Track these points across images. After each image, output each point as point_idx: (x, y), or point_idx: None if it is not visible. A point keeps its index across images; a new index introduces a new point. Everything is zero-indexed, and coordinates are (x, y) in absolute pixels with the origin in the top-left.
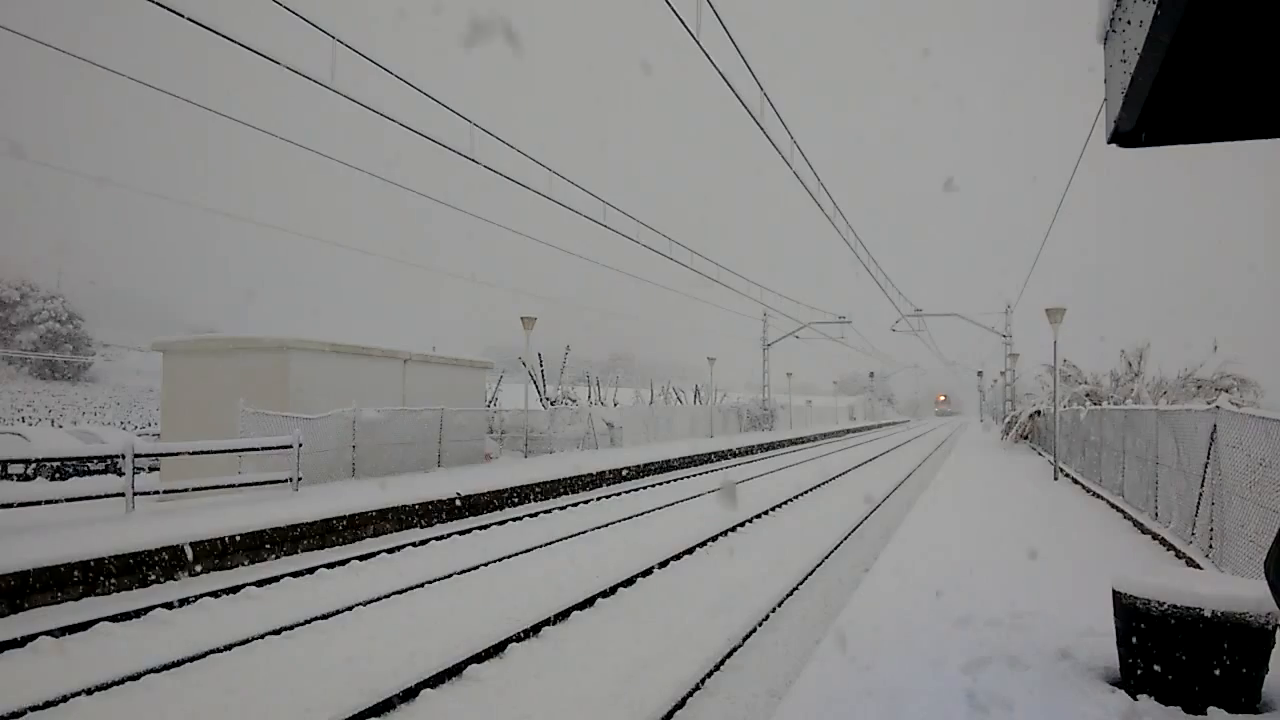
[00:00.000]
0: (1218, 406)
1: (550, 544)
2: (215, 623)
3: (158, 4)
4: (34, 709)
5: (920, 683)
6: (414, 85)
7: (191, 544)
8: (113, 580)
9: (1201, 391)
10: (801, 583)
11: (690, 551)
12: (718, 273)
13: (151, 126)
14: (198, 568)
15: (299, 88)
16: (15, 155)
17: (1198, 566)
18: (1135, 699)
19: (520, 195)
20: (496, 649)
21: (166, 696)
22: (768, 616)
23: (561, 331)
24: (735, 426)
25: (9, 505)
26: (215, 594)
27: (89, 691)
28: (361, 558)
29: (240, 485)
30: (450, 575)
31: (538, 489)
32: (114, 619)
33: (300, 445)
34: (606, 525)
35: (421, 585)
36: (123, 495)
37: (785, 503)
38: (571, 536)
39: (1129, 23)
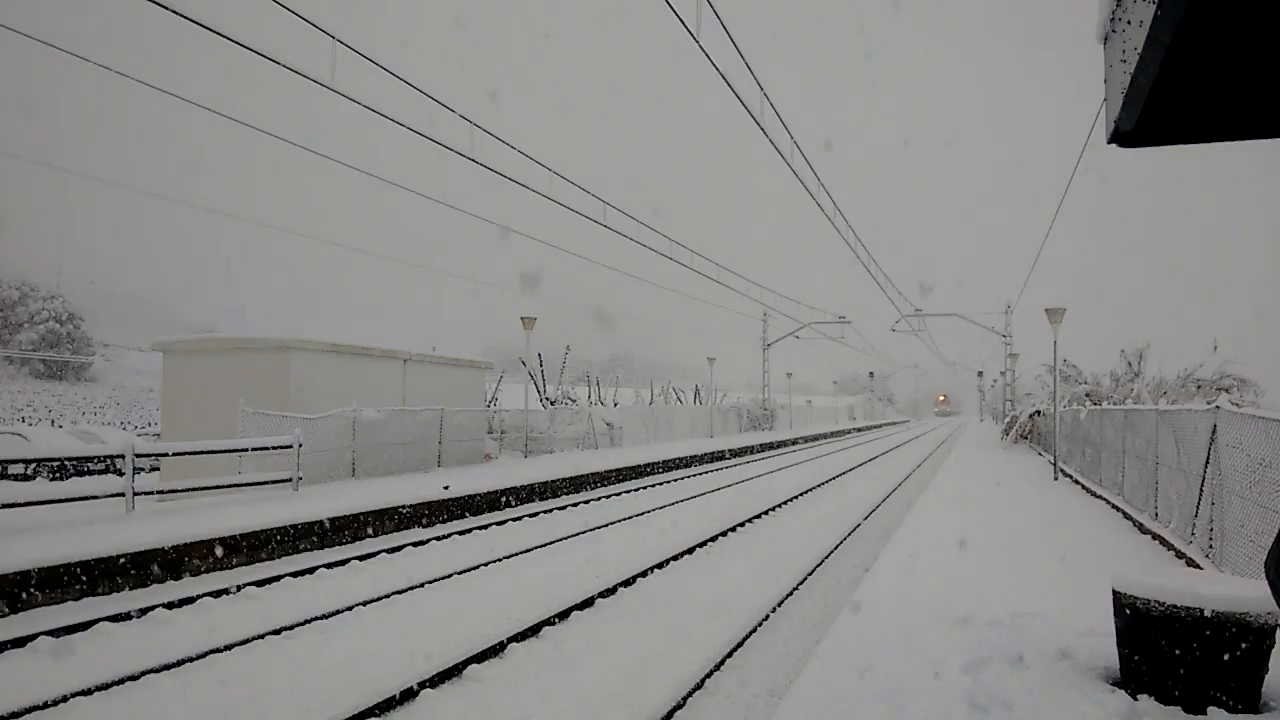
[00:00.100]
0: (1218, 406)
1: (550, 544)
2: (215, 623)
3: (157, 4)
4: (34, 709)
5: (920, 683)
6: (414, 85)
7: (191, 544)
8: (113, 580)
9: (1201, 391)
10: (801, 583)
11: (690, 551)
12: (718, 273)
13: (151, 126)
14: (198, 568)
15: (299, 88)
16: (15, 155)
17: (1198, 566)
18: (1135, 699)
19: (521, 195)
20: (496, 649)
21: (166, 696)
22: (768, 616)
23: (562, 332)
24: (735, 426)
25: (9, 505)
26: (215, 594)
27: (89, 691)
28: (361, 558)
29: (240, 485)
30: (450, 575)
31: (538, 489)
32: (114, 619)
33: (300, 445)
34: (606, 525)
35: (421, 585)
36: (123, 495)
37: (785, 503)
38: (571, 536)
39: (1129, 23)
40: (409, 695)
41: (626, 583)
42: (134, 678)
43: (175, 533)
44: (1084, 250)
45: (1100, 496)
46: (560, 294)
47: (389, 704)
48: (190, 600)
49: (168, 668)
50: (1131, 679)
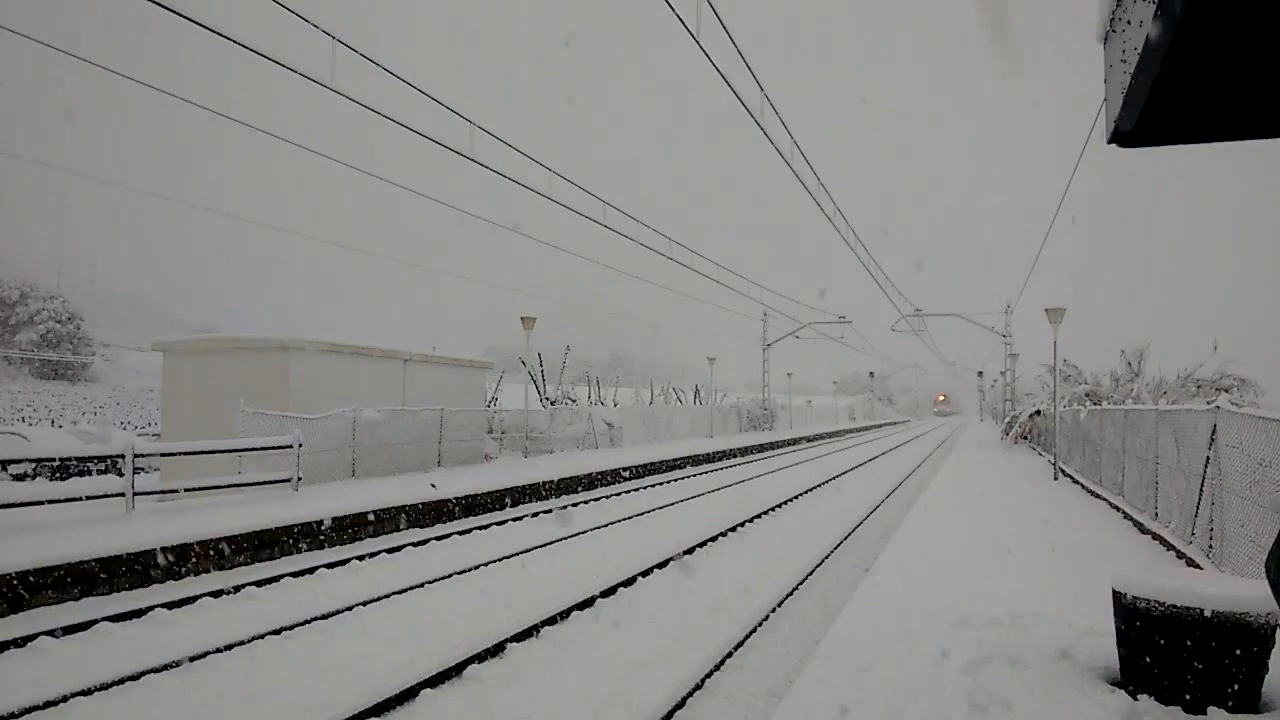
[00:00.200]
0: (1218, 406)
1: (550, 544)
2: (215, 623)
3: (157, 3)
4: (34, 709)
5: (920, 683)
6: (414, 85)
7: (191, 544)
8: (113, 580)
9: (1201, 391)
10: (801, 583)
11: (690, 551)
12: (718, 272)
13: (151, 126)
14: (197, 568)
15: (299, 88)
16: (15, 155)
17: (1198, 566)
18: (1135, 699)
19: (521, 195)
20: (496, 649)
21: (166, 696)
22: (768, 616)
23: (562, 332)
24: (735, 426)
25: (9, 505)
26: (215, 594)
27: (89, 691)
28: (361, 558)
29: (240, 485)
30: (450, 575)
31: (538, 489)
32: (114, 619)
33: (300, 445)
34: (606, 525)
35: (421, 585)
36: (123, 495)
37: (785, 503)
38: (571, 536)
39: (1129, 23)
40: (409, 695)
41: (626, 583)
42: (134, 678)
43: (175, 533)
44: (1084, 250)
45: (1100, 496)
46: (560, 294)
47: (389, 704)
48: (190, 600)
49: (168, 668)
50: (1131, 679)
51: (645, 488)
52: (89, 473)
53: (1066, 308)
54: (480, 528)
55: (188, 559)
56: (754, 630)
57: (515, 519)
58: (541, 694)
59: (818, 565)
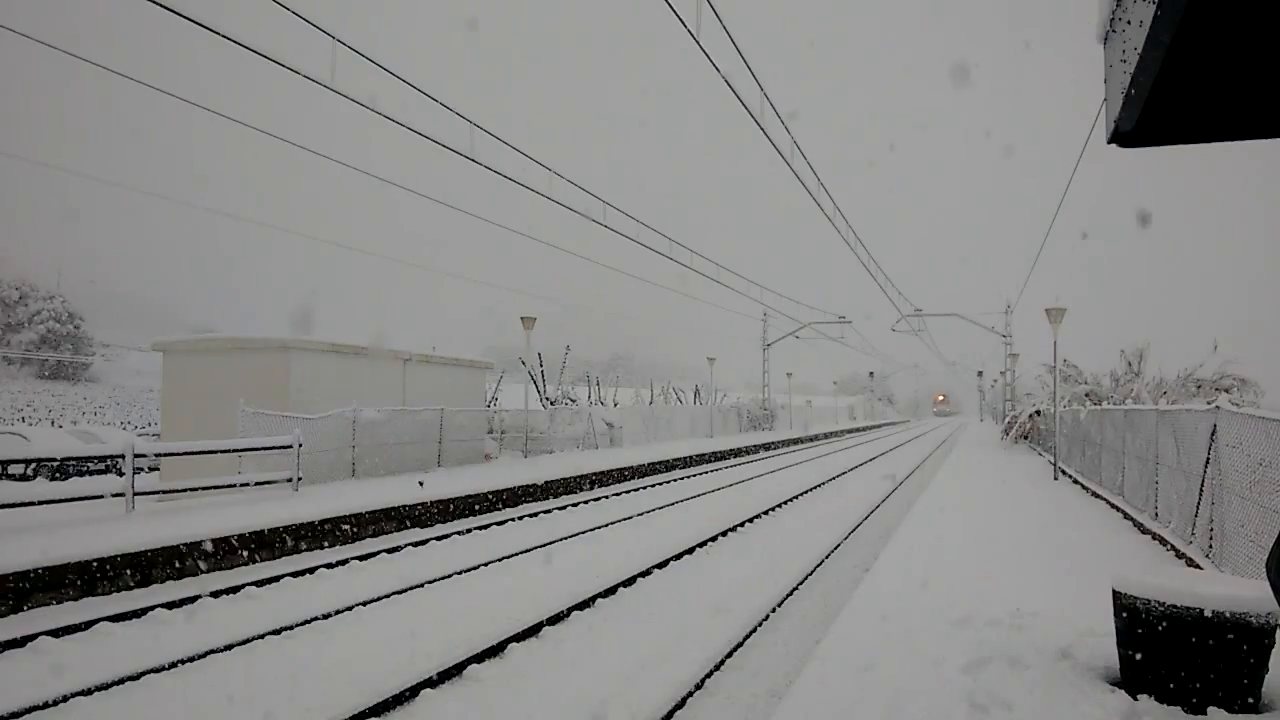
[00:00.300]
0: (1218, 406)
1: (550, 544)
2: (215, 623)
3: (158, 4)
4: (34, 709)
5: (920, 683)
6: (414, 85)
7: (191, 544)
8: (113, 580)
9: (1201, 391)
10: (801, 583)
11: (690, 551)
12: (718, 272)
13: (151, 126)
14: (198, 567)
15: (299, 88)
16: (15, 155)
17: (1198, 566)
18: (1135, 699)
19: (520, 195)
20: (496, 649)
21: (166, 696)
22: (768, 616)
23: (562, 332)
24: (735, 426)
25: (9, 505)
26: (215, 594)
27: (89, 691)
28: (361, 558)
29: (240, 485)
30: (450, 575)
31: (538, 489)
32: (114, 619)
33: (300, 445)
34: (606, 525)
35: (421, 585)
36: (123, 495)
37: (785, 503)
38: (571, 536)
39: (1129, 23)
40: (409, 695)
41: (626, 583)
42: (134, 678)
43: (175, 533)
44: (1084, 250)
45: (1100, 496)
46: (560, 294)
47: (389, 704)
48: (190, 600)
49: (168, 668)
50: (1131, 679)
51: (645, 488)
52: (89, 473)
53: (1066, 308)
54: (480, 528)
55: (188, 559)
56: (754, 630)
57: (515, 519)
58: (542, 694)
59: (818, 565)
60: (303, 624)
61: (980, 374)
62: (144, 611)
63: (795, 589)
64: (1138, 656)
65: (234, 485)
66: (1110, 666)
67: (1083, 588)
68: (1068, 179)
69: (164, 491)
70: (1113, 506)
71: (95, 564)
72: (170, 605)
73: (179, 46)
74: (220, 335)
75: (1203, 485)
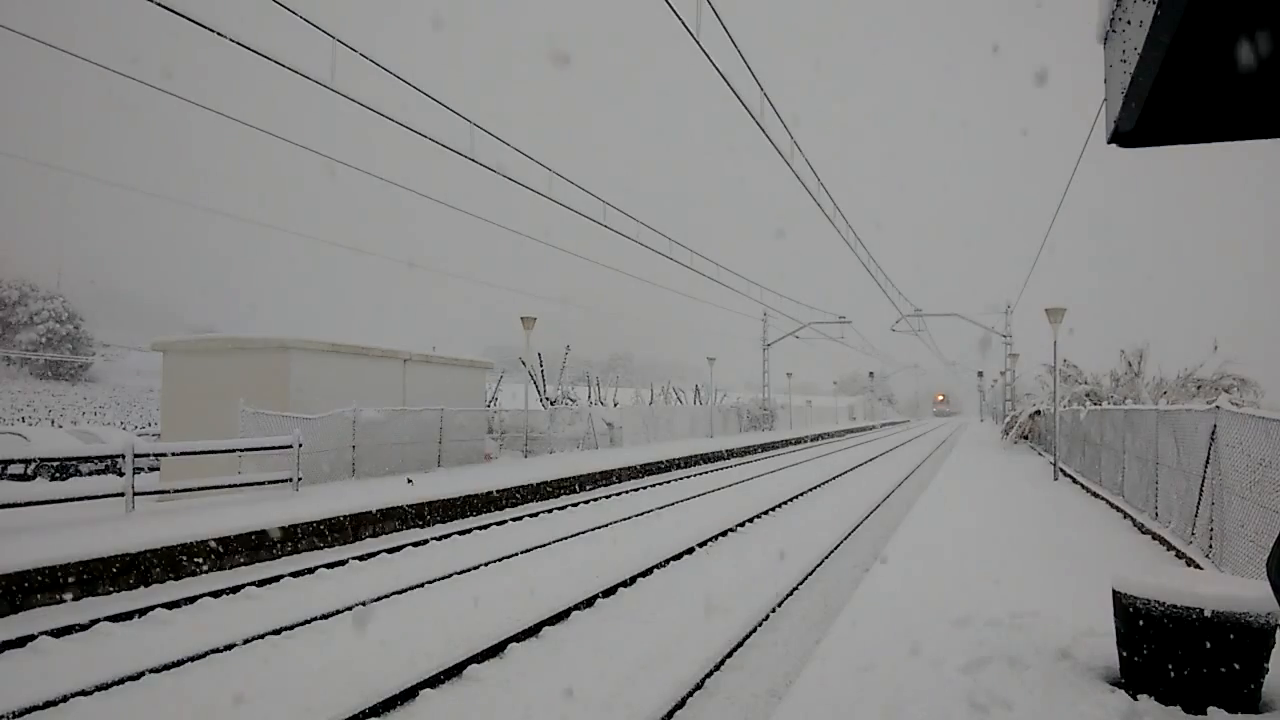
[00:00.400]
0: (1218, 406)
1: (550, 544)
2: (215, 623)
3: (158, 4)
4: (34, 709)
5: (920, 683)
6: (414, 85)
7: (191, 544)
8: (113, 580)
9: (1201, 391)
10: (801, 583)
11: (690, 551)
12: (718, 272)
13: (151, 126)
14: (197, 567)
15: (299, 88)
16: (15, 155)
17: (1198, 566)
18: (1135, 699)
19: (520, 195)
20: (496, 649)
21: (166, 696)
22: (768, 616)
23: (562, 332)
24: (735, 426)
25: (9, 505)
26: (215, 594)
27: (89, 691)
28: (361, 558)
29: (240, 485)
30: (450, 575)
31: (538, 489)
32: (114, 619)
33: (300, 445)
34: (606, 525)
35: (421, 585)
36: (123, 495)
37: (785, 503)
38: (571, 536)
39: (1129, 23)
40: (409, 695)
41: (626, 583)
42: (134, 678)
43: (175, 533)
44: (1084, 250)
45: (1100, 496)
46: (560, 294)
47: (389, 704)
48: (190, 600)
49: (168, 668)
50: (1131, 679)
51: (645, 488)
52: (89, 473)
53: (1066, 308)
54: (480, 528)
55: (188, 559)
56: (754, 630)
57: (515, 519)
58: (542, 694)
59: (818, 565)
60: (303, 624)
61: (980, 374)
62: (144, 611)
63: (795, 589)
64: (1138, 656)
65: (234, 485)
66: (1110, 666)
67: (1083, 588)
68: (1068, 179)
69: (164, 491)
70: (1113, 506)
71: (95, 564)
72: (170, 605)
73: (179, 46)
74: (220, 335)
75: (1203, 485)
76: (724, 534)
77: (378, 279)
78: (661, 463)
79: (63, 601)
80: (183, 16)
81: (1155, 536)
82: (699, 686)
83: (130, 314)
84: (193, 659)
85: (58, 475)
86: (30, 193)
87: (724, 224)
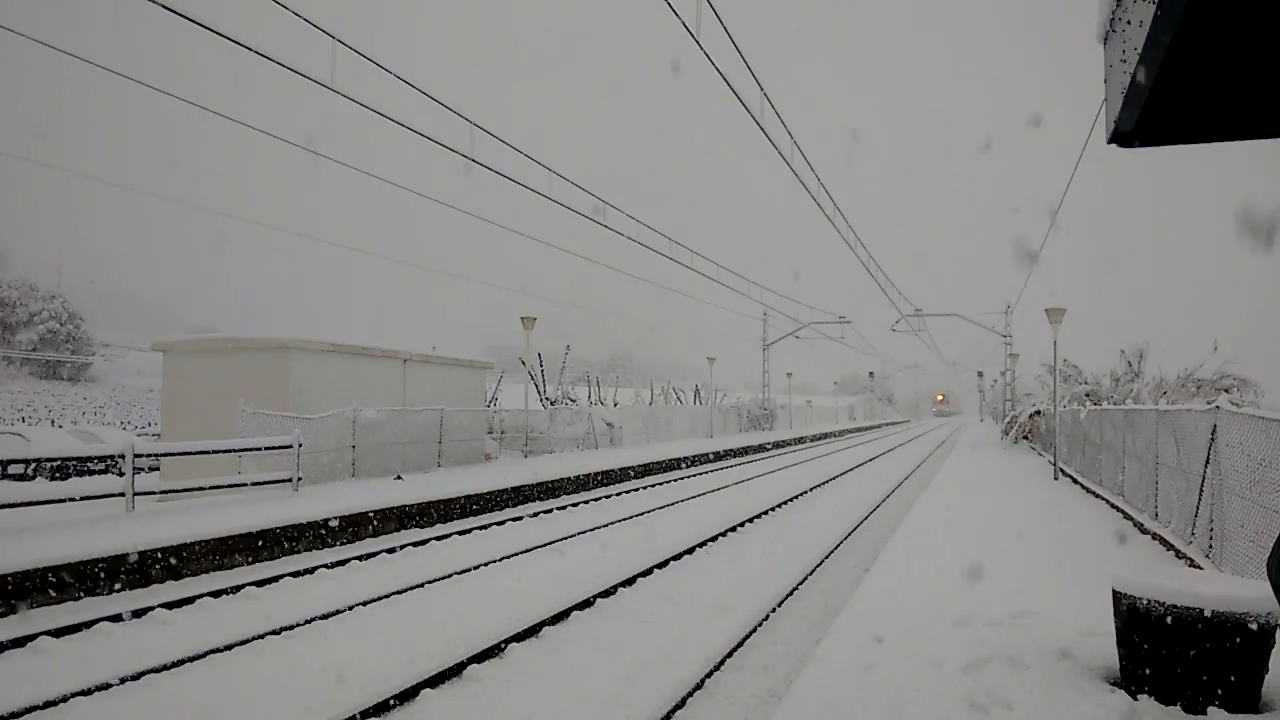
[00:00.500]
0: (1218, 406)
1: (550, 544)
2: (215, 623)
3: (158, 4)
4: (34, 709)
5: (920, 683)
6: (414, 85)
7: (191, 544)
8: (113, 580)
9: (1201, 391)
10: (801, 583)
11: (690, 551)
12: (718, 272)
13: (151, 126)
14: (197, 567)
15: (299, 88)
16: (15, 155)
17: (1198, 566)
18: (1135, 699)
19: (520, 195)
20: (496, 649)
21: (166, 696)
22: (768, 616)
23: (562, 332)
24: (735, 426)
25: (9, 505)
26: (215, 594)
27: (89, 691)
28: (361, 558)
29: (240, 485)
30: (450, 575)
31: (538, 489)
32: (114, 619)
33: (300, 445)
34: (606, 525)
35: (421, 585)
36: (123, 495)
37: (785, 503)
38: (571, 536)
39: (1129, 23)
40: (409, 695)
41: (627, 583)
42: (134, 678)
43: (175, 533)
44: (1084, 250)
45: (1100, 496)
46: (561, 294)
47: (389, 704)
48: (190, 600)
49: (168, 668)
50: (1131, 679)
51: (645, 488)
52: (89, 473)
53: (1066, 308)
54: (480, 528)
55: (187, 559)
56: (754, 630)
57: (515, 519)
58: (542, 694)
59: (818, 565)
60: (302, 624)
61: (980, 374)
62: (144, 611)
63: (795, 589)
64: (1137, 656)
65: (234, 485)
66: (1110, 666)
67: (1082, 588)
68: (1068, 179)
69: (164, 491)
70: (1113, 506)
71: (95, 564)
72: (170, 605)
73: (179, 46)
74: (220, 335)
75: (1203, 485)
76: (724, 534)
77: (378, 279)
78: (661, 463)
79: (63, 601)
80: (183, 16)
81: (1155, 536)
82: (699, 686)
83: (130, 314)
84: (193, 659)
85: (58, 475)
86: (30, 193)
87: (724, 224)
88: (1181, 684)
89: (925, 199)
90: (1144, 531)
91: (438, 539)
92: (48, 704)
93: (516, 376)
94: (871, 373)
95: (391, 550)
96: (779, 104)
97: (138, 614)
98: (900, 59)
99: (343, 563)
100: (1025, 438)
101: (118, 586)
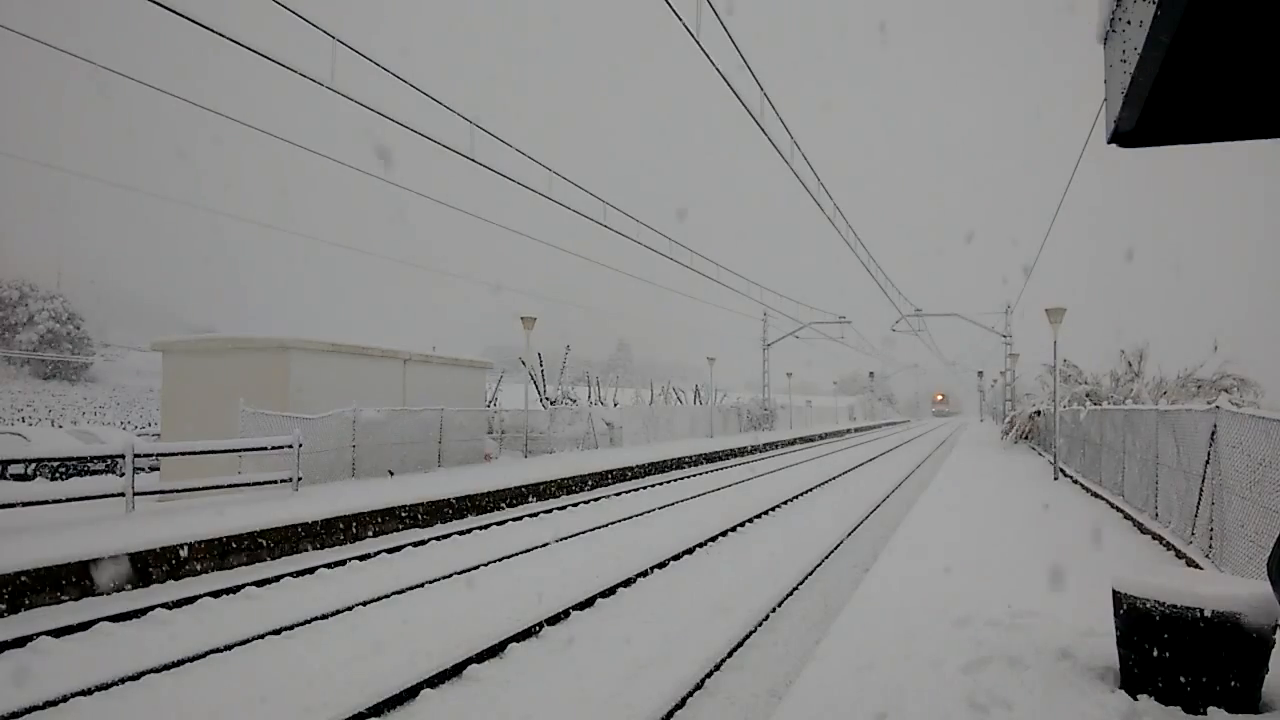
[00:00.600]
0: (1218, 406)
1: (550, 544)
2: (215, 623)
3: (158, 4)
4: (34, 709)
5: (920, 683)
6: (414, 85)
7: (191, 544)
8: (113, 580)
9: (1201, 391)
10: (801, 583)
11: (690, 551)
12: (718, 272)
13: (152, 127)
14: (197, 567)
15: (299, 88)
16: (15, 155)
17: (1198, 566)
18: (1135, 699)
19: (520, 195)
20: (496, 649)
21: (166, 696)
22: (768, 616)
23: (562, 332)
24: (735, 426)
25: (9, 505)
26: (215, 594)
27: (89, 691)
28: (361, 558)
29: (240, 485)
30: (450, 575)
31: (537, 489)
32: (114, 619)
33: (300, 445)
34: (606, 525)
35: (421, 585)
36: (123, 495)
37: (785, 503)
38: (571, 536)
39: (1129, 23)
40: (409, 695)
41: (626, 583)
42: (134, 678)
43: (175, 533)
44: (1085, 250)
45: (1100, 496)
46: (561, 294)
47: (389, 704)
48: (190, 600)
49: (168, 668)
50: (1131, 679)
51: (645, 488)
52: (89, 473)
53: (1066, 308)
54: (480, 528)
55: (187, 559)
56: (754, 630)
57: (515, 519)
58: (542, 694)
59: (818, 565)
60: (302, 624)
61: (980, 374)
62: (144, 611)
63: (795, 589)
64: (1137, 656)
65: (234, 485)
66: (1110, 666)
67: (1082, 588)
68: (1068, 179)
69: (164, 491)
70: (1113, 506)
71: (95, 564)
72: (170, 605)
73: (180, 46)
74: (220, 335)
75: (1203, 485)
76: (724, 534)
77: (378, 279)
78: (661, 463)
79: (63, 601)
80: (183, 16)
81: (1155, 536)
82: (699, 686)
83: (130, 314)
84: (193, 659)
85: (58, 475)
86: (30, 193)
87: (724, 224)
88: (1181, 684)
89: (925, 199)
90: (1144, 531)
91: (438, 539)
92: (48, 704)
93: (516, 376)
94: (871, 373)
95: (391, 550)
96: (779, 104)
97: (138, 614)
98: (900, 59)
99: (343, 563)
100: (1025, 438)
101: (118, 586)
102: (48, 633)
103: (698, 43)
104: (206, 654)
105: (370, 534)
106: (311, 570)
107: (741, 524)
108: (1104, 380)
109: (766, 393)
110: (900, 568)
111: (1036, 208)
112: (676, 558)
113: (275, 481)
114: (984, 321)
